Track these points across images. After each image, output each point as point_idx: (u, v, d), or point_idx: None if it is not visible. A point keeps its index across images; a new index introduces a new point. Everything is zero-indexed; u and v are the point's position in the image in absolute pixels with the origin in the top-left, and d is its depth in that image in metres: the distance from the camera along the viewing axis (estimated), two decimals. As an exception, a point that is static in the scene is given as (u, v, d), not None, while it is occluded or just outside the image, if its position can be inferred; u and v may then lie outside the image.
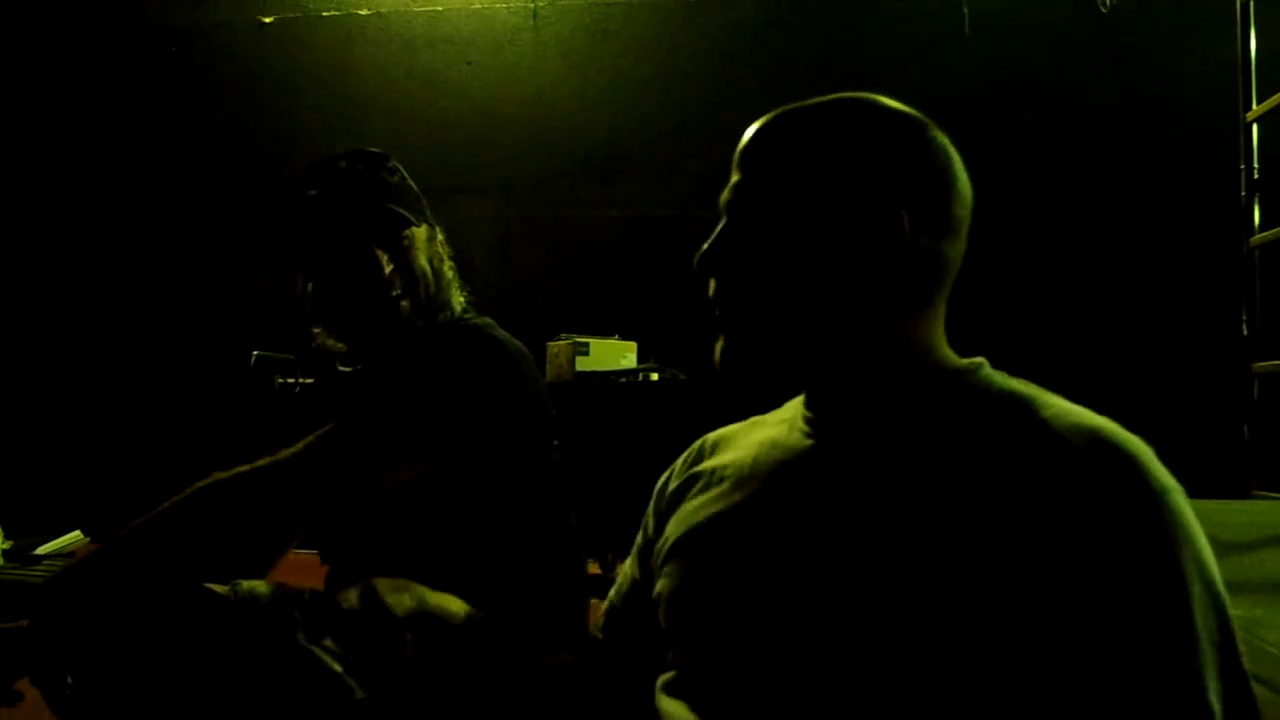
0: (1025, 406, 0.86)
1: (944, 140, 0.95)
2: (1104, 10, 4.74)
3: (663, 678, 1.00)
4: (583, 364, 4.19)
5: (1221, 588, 0.76)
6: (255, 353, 3.97)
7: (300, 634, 1.20)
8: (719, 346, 0.97)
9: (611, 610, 1.19)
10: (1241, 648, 0.76)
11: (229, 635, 1.17)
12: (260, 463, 1.33)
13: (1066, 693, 0.74)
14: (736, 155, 0.98)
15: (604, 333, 4.34)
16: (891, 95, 0.97)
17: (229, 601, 1.20)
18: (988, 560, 0.77)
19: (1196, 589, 0.74)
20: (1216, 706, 0.72)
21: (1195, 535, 0.76)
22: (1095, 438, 0.79)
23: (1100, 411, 0.84)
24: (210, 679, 1.16)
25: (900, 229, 0.90)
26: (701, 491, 1.06)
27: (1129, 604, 0.73)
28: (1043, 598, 0.75)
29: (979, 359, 0.96)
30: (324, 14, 5.19)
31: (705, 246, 0.96)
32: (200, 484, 1.31)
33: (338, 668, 1.20)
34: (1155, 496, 0.76)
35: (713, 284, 0.97)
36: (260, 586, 1.23)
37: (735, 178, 0.97)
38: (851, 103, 0.95)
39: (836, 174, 0.92)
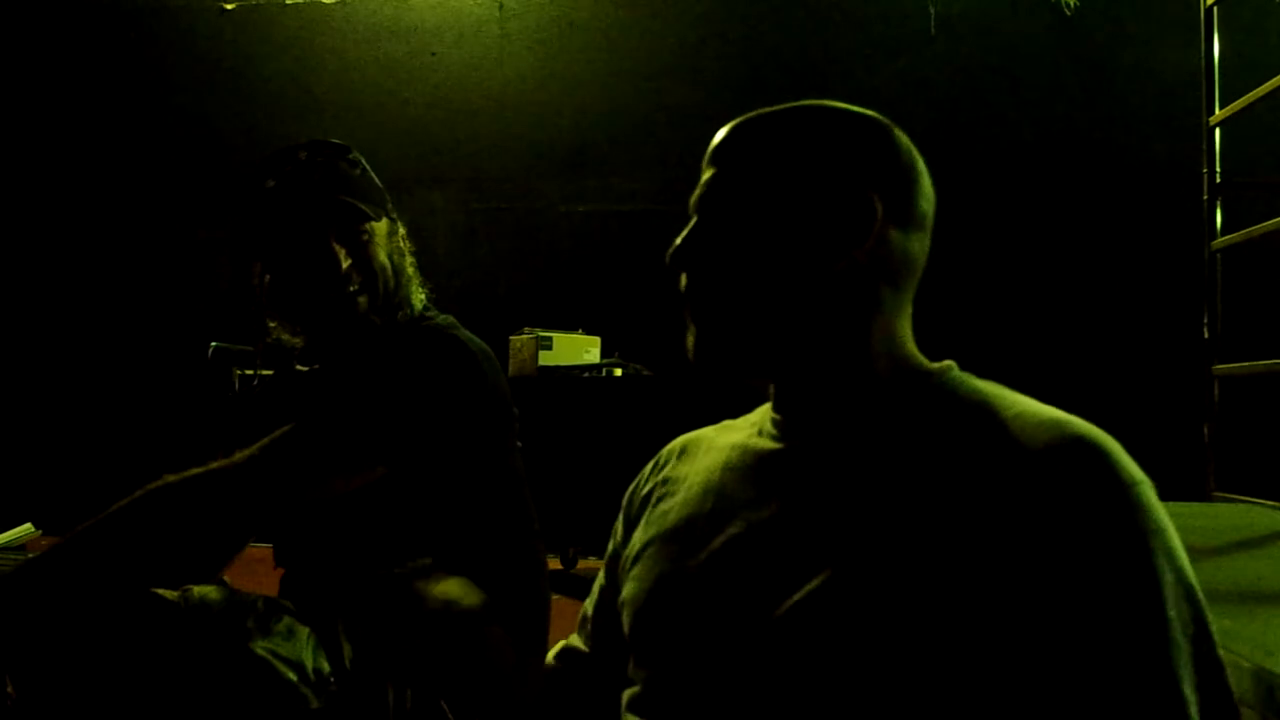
0: (993, 407, 0.86)
1: (907, 141, 0.96)
2: (1068, 13, 4.77)
3: (627, 693, 0.98)
4: (546, 358, 4.17)
5: (1194, 579, 0.76)
6: (213, 344, 3.91)
7: (254, 642, 1.17)
8: (690, 339, 0.96)
9: (584, 621, 1.17)
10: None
11: (179, 643, 1.14)
12: (212, 465, 1.30)
13: (1042, 688, 0.74)
14: (708, 154, 0.98)
15: (568, 327, 4.32)
16: (858, 93, 1.00)
17: (179, 608, 1.17)
18: (961, 562, 0.77)
19: (1168, 579, 0.74)
20: (1191, 696, 0.72)
21: (1165, 527, 0.76)
22: (1063, 433, 0.79)
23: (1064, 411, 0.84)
24: (159, 689, 1.12)
25: (872, 211, 0.90)
26: (670, 496, 1.05)
27: (1101, 596, 0.73)
28: (1016, 594, 0.75)
29: (948, 362, 0.96)
30: (287, 0, 5.12)
31: (677, 242, 0.96)
32: (150, 486, 1.27)
33: (292, 676, 1.17)
34: (1125, 489, 0.76)
35: (684, 280, 0.97)
36: (212, 593, 1.20)
37: (707, 175, 0.97)
38: (819, 106, 0.96)
39: (807, 164, 0.92)
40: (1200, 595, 0.76)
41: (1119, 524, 0.75)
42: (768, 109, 0.97)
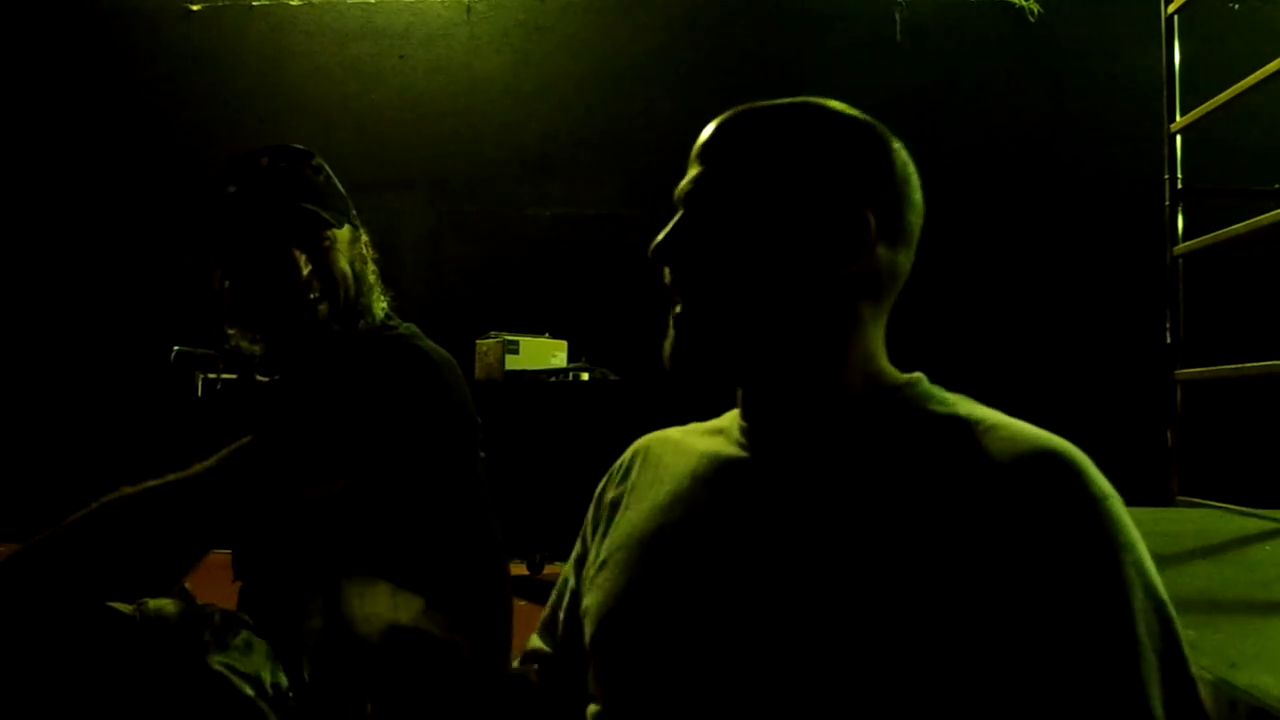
0: (964, 421, 0.86)
1: (903, 151, 0.94)
2: (1032, 20, 4.81)
3: (590, 709, 0.97)
4: (512, 362, 4.15)
5: (1164, 593, 0.76)
6: (176, 347, 3.87)
7: (211, 656, 1.15)
8: (668, 343, 0.93)
9: (552, 621, 1.15)
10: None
11: (134, 657, 1.12)
12: (169, 477, 1.28)
13: (1011, 704, 0.73)
14: (697, 148, 0.95)
15: (535, 331, 4.30)
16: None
17: (135, 622, 1.15)
18: (931, 577, 0.76)
19: (1138, 596, 0.74)
20: (1160, 713, 0.71)
21: (1136, 542, 0.76)
22: (1035, 448, 0.79)
23: (1026, 419, 0.84)
24: (114, 704, 1.11)
25: (866, 229, 0.88)
26: (637, 503, 1.03)
27: (1071, 612, 0.73)
28: (986, 609, 0.74)
29: (917, 374, 0.94)
30: (254, 2, 5.07)
31: (661, 236, 0.93)
32: (106, 499, 1.25)
33: (249, 691, 1.15)
34: (1095, 504, 0.76)
35: (668, 274, 0.94)
36: (168, 606, 1.18)
37: (695, 170, 0.94)
38: (815, 105, 0.93)
39: (801, 172, 0.90)
40: (1171, 610, 0.76)
41: (1090, 539, 0.75)
42: (761, 104, 0.93)
